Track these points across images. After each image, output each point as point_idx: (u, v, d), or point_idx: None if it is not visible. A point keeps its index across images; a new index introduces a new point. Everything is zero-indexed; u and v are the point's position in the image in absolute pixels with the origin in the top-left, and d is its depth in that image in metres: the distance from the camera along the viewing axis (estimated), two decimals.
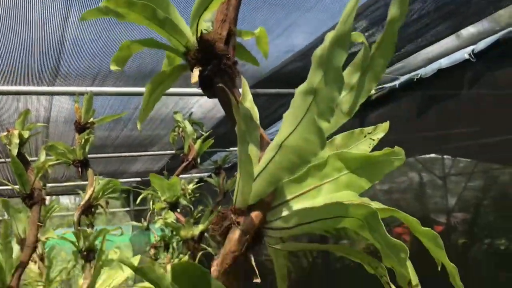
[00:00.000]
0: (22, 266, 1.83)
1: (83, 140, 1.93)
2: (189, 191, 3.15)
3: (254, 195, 0.59)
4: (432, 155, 2.85)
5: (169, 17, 0.63)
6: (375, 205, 0.58)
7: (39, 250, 2.49)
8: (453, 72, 2.11)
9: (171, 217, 2.42)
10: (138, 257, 2.07)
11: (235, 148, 4.22)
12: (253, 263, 0.60)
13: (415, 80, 2.27)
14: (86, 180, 2.08)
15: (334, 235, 0.66)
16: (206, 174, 4.82)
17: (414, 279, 0.53)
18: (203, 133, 2.33)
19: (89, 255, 1.96)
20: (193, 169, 2.24)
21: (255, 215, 0.58)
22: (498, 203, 2.32)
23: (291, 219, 0.59)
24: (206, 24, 0.69)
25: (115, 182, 1.97)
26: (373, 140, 0.68)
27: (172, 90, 2.11)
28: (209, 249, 3.06)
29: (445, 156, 2.78)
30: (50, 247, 2.58)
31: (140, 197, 4.02)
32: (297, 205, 0.61)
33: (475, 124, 2.32)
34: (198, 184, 3.15)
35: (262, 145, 0.66)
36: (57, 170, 3.87)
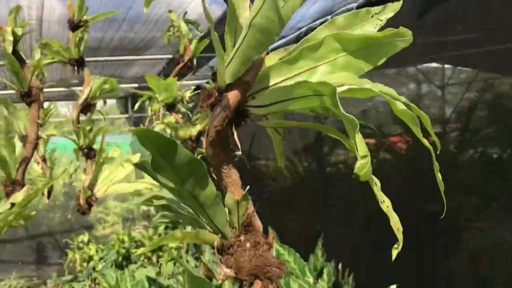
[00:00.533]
0: (25, 161, 1.89)
1: (77, 39, 1.91)
2: (187, 98, 3.17)
3: (230, 75, 0.61)
4: (433, 64, 2.83)
5: None
6: (372, 87, 0.60)
7: (41, 151, 2.54)
8: None
9: (170, 119, 2.46)
10: (138, 155, 2.13)
11: None
12: (236, 137, 0.63)
13: None
14: (83, 83, 2.09)
15: (319, 114, 0.68)
16: (204, 81, 4.81)
17: (362, 151, 0.54)
18: (199, 33, 2.29)
19: (90, 152, 2.02)
20: (189, 70, 2.23)
21: (232, 94, 0.60)
22: (495, 113, 2.35)
23: (267, 98, 0.62)
24: None
25: (111, 81, 1.98)
26: (381, 20, 0.65)
27: None
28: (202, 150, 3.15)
29: (445, 66, 2.76)
30: (51, 149, 2.64)
31: (139, 102, 4.05)
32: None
33: (479, 29, 2.28)
34: (196, 91, 3.15)
35: None
36: (53, 74, 3.85)
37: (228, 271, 0.57)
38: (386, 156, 3.01)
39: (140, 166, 0.67)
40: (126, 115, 6.74)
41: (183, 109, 2.93)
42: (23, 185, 1.88)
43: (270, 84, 0.64)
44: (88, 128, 2.15)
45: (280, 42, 3.44)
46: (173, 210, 0.64)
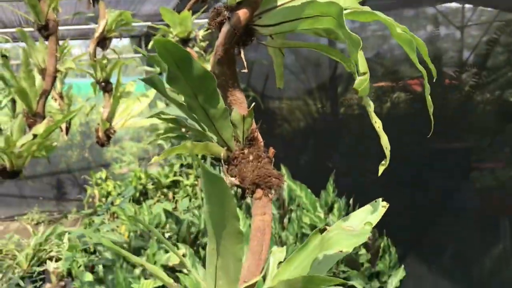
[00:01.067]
0: (45, 93, 1.94)
1: None
2: (201, 37, 3.14)
3: None
4: (453, 4, 2.76)
5: None
6: (363, 8, 0.61)
7: (57, 88, 2.59)
8: None
9: None
10: (153, 90, 2.16)
11: None
12: (242, 55, 0.65)
13: None
14: (97, 22, 2.09)
15: (323, 36, 0.69)
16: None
17: (362, 67, 0.57)
18: None
19: (107, 85, 2.06)
20: (204, 3, 2.21)
21: (242, 12, 0.62)
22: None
23: (275, 17, 0.63)
24: None
25: (126, 14, 1.98)
26: None
27: None
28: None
29: (466, 5, 2.69)
30: (68, 86, 2.67)
31: (152, 41, 4.03)
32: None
33: None
34: (209, 31, 3.12)
35: None
36: (67, 11, 3.83)
37: (233, 180, 0.61)
38: (401, 96, 3.01)
39: (149, 81, 0.69)
40: (139, 55, 6.72)
41: (196, 49, 2.93)
42: (44, 117, 1.94)
43: (278, 4, 0.66)
44: (104, 62, 2.17)
45: None
46: (182, 124, 0.67)
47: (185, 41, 2.20)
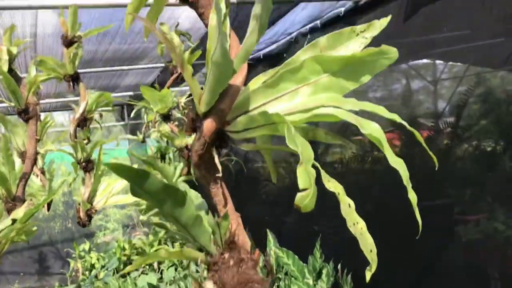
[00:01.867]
0: (24, 177, 1.92)
1: (72, 54, 1.94)
2: (182, 104, 3.20)
3: (204, 104, 0.65)
4: (424, 60, 2.88)
5: None
6: (353, 106, 0.63)
7: (39, 163, 2.57)
8: None
9: (165, 128, 2.50)
10: (135, 166, 2.17)
11: None
12: (216, 160, 0.67)
13: None
14: (78, 95, 2.12)
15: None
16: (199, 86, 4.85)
17: (301, 183, 0.55)
18: (191, 44, 2.33)
19: (88, 165, 2.06)
20: (183, 80, 2.27)
21: (208, 121, 0.65)
22: (488, 106, 2.39)
23: (238, 125, 0.65)
24: None
25: (106, 95, 2.02)
26: (366, 38, 0.66)
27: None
28: None
29: (437, 61, 2.81)
30: (49, 161, 2.67)
31: (134, 110, 4.08)
32: (270, 109, 0.66)
33: (466, 27, 2.33)
34: (191, 97, 3.17)
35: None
36: (48, 86, 3.88)
37: (212, 287, 0.61)
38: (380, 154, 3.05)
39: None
40: (122, 123, 6.78)
41: (178, 115, 2.96)
42: (23, 201, 1.92)
43: (251, 108, 0.67)
44: (85, 139, 2.18)
45: (272, 47, 3.49)
46: (165, 228, 0.67)
47: (166, 116, 2.24)
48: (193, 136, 2.09)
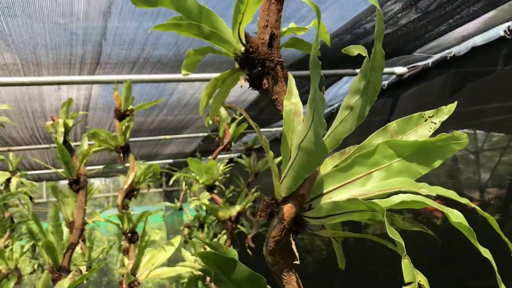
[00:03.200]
0: (71, 247, 1.94)
1: (124, 127, 2.00)
2: (220, 171, 3.22)
3: (285, 189, 0.64)
4: (465, 130, 2.84)
5: (214, 31, 0.69)
6: (429, 191, 0.61)
7: None
8: (488, 49, 2.09)
9: (206, 197, 2.50)
10: (178, 237, 2.15)
11: (266, 129, 4.27)
12: (294, 247, 0.65)
13: (448, 58, 2.25)
14: (126, 164, 2.16)
15: (376, 222, 0.70)
16: (235, 155, 4.90)
17: (407, 277, 0.54)
18: (237, 116, 2.38)
19: (133, 236, 2.06)
20: (228, 151, 2.30)
21: (288, 206, 0.64)
22: None
23: (321, 210, 0.64)
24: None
25: (155, 166, 2.05)
26: (435, 123, 0.67)
27: (205, 75, 2.16)
28: (242, 228, 3.15)
29: (477, 131, 2.76)
30: (90, 228, 2.69)
31: (173, 178, 4.13)
32: (344, 193, 0.65)
33: (509, 99, 2.30)
34: (229, 165, 3.21)
35: None
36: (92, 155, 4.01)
37: None
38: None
39: (205, 271, 0.69)
40: (160, 189, 6.86)
41: (216, 183, 2.97)
42: (68, 271, 1.92)
43: (325, 191, 0.66)
44: (132, 213, 2.19)
45: None
46: None
47: (211, 187, 2.25)
48: (237, 207, 2.06)
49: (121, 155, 2.04)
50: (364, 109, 0.64)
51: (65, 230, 1.99)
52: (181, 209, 4.83)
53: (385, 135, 0.70)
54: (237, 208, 2.23)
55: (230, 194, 2.93)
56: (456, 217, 0.58)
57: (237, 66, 0.72)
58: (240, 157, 3.88)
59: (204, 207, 4.20)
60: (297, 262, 0.65)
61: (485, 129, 2.72)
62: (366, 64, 0.63)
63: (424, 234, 0.73)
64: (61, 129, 1.92)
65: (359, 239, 3.65)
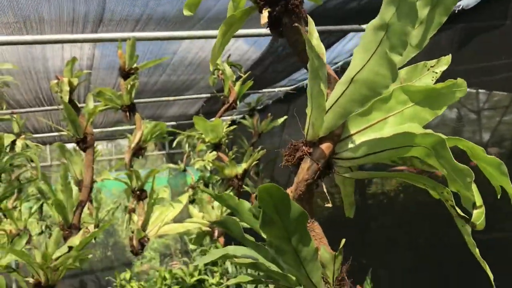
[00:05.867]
0: (81, 205, 1.96)
1: (129, 86, 1.99)
2: (223, 133, 3.22)
3: (325, 128, 0.64)
4: (468, 89, 2.81)
5: None
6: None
7: None
8: (496, 3, 2.06)
9: (210, 158, 2.51)
10: (186, 195, 2.18)
11: (268, 90, 4.25)
12: (325, 189, 0.66)
13: (456, 11, 2.21)
14: (132, 125, 2.17)
15: (399, 164, 0.71)
16: (238, 116, 4.89)
17: (478, 201, 0.57)
18: (241, 74, 2.36)
19: (142, 194, 2.08)
20: (233, 110, 2.29)
21: (325, 146, 0.64)
22: None
23: (359, 149, 0.64)
24: None
25: (162, 125, 2.05)
26: (436, 73, 0.70)
27: (209, 32, 2.12)
28: (247, 188, 3.17)
29: (479, 90, 2.74)
30: (96, 190, 2.71)
31: (176, 140, 4.14)
32: (363, 137, 0.66)
33: None
34: (232, 126, 3.21)
35: (330, 81, 0.69)
36: (96, 117, 3.99)
37: None
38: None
39: (221, 224, 0.68)
40: (163, 152, 6.89)
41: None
42: (79, 229, 1.95)
43: (347, 135, 0.67)
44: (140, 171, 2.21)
45: None
46: (262, 269, 0.64)
47: (217, 146, 2.25)
48: (243, 165, 2.06)
49: (127, 113, 2.04)
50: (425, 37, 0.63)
51: (74, 188, 2.02)
52: (184, 170, 4.87)
53: (395, 82, 0.72)
54: (243, 165, 2.25)
55: (234, 155, 2.95)
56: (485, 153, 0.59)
57: (255, 3, 0.69)
58: (243, 118, 3.88)
59: (209, 168, 4.24)
60: (330, 204, 0.65)
61: (488, 88, 2.70)
62: None
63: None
64: (67, 88, 1.91)
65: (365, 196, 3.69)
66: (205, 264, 5.08)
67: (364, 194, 3.77)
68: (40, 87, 3.01)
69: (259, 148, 2.50)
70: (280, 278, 0.62)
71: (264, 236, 0.60)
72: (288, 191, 0.66)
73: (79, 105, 1.97)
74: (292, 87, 4.16)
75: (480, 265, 0.57)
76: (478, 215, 0.53)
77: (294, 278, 0.59)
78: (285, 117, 3.16)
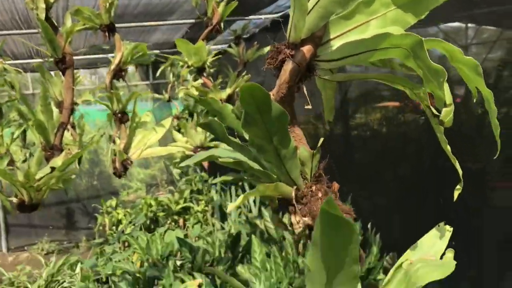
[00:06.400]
0: (62, 126, 1.94)
1: (108, 4, 1.92)
2: (208, 63, 3.17)
3: (307, 29, 0.62)
4: (456, 23, 2.77)
5: None
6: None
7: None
8: None
9: (195, 84, 2.47)
10: (169, 119, 2.17)
11: (254, 17, 4.13)
12: (305, 92, 0.65)
13: None
14: (109, 50, 2.11)
15: (379, 67, 0.70)
16: (225, 45, 4.79)
17: (448, 99, 0.57)
18: None
19: (124, 116, 2.06)
20: (217, 33, 2.23)
21: (307, 48, 0.63)
22: None
23: (340, 51, 0.63)
24: None
25: (142, 46, 2.00)
26: None
27: None
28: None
29: (469, 25, 2.70)
30: (79, 116, 2.68)
31: (160, 69, 4.06)
32: (345, 40, 0.65)
33: None
34: (217, 56, 3.16)
35: None
36: (76, 42, 3.87)
37: (306, 219, 0.60)
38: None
39: (206, 126, 0.69)
40: (147, 82, 6.78)
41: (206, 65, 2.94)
42: (61, 150, 1.94)
43: (331, 37, 0.66)
44: (121, 94, 2.17)
45: None
46: (245, 167, 0.66)
47: (200, 70, 2.22)
48: (227, 90, 2.04)
49: (107, 33, 1.98)
50: None
51: (55, 110, 1.99)
52: (169, 101, 4.83)
53: None
54: (228, 91, 2.23)
55: (219, 85, 2.92)
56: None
57: None
58: (229, 46, 3.80)
59: (194, 94, 4.21)
60: (309, 106, 0.65)
61: (477, 22, 2.66)
62: None
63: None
64: (42, 5, 1.83)
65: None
66: (191, 192, 5.19)
67: (347, 125, 3.81)
68: (16, 8, 2.88)
69: (243, 74, 2.47)
70: (261, 175, 0.63)
71: (246, 136, 0.61)
72: (270, 93, 0.66)
73: (59, 28, 1.90)
74: (279, 14, 4.06)
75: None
76: (447, 113, 0.54)
77: (274, 175, 0.61)
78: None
